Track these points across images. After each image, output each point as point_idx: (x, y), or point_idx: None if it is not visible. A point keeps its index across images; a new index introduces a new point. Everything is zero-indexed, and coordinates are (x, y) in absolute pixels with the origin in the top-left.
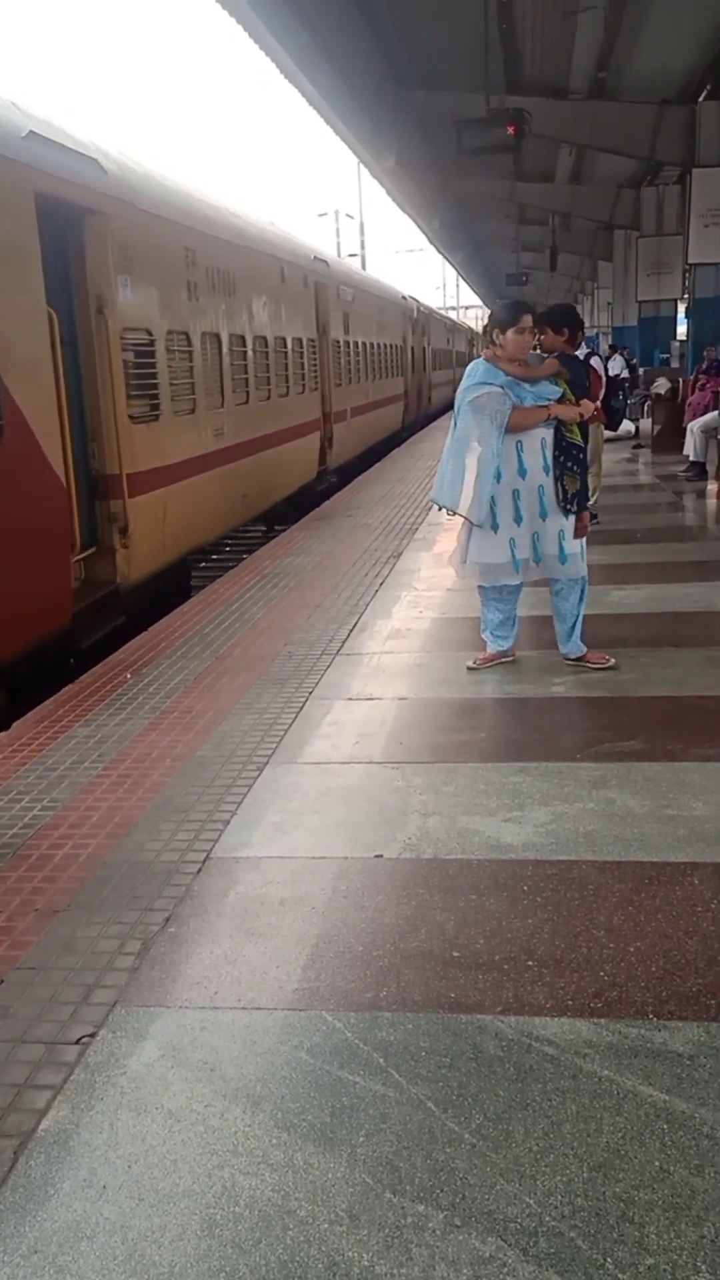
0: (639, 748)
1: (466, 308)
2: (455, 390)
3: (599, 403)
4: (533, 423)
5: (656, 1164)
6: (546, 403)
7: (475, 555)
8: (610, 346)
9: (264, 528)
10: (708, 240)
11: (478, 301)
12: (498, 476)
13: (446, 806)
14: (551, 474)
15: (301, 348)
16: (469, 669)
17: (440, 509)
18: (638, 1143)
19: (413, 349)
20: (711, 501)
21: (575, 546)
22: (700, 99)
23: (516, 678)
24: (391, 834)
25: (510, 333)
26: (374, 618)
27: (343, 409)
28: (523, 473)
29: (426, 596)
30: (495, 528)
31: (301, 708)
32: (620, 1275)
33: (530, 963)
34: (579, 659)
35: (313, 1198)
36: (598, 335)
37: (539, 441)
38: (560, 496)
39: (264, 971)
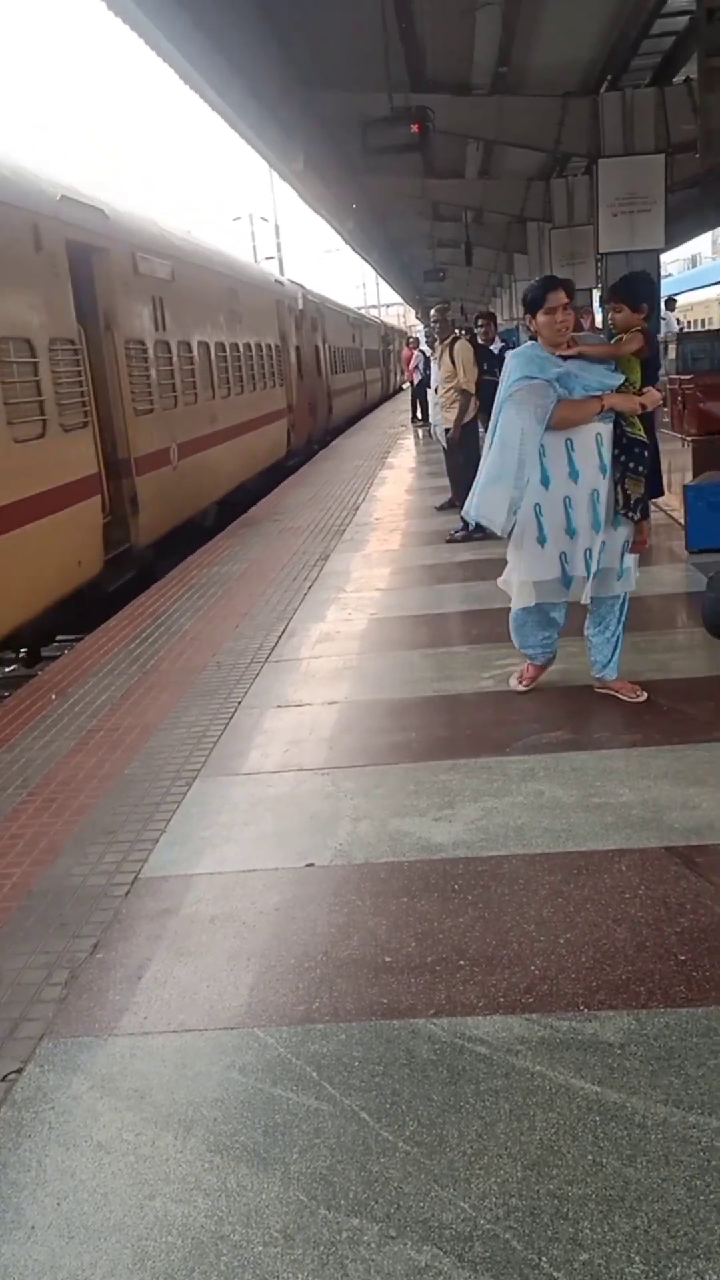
0: (567, 738)
1: (387, 305)
2: (363, 398)
3: None
4: (582, 417)
5: (589, 1157)
6: (599, 393)
7: (527, 572)
8: (531, 338)
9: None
10: (616, 229)
11: (398, 299)
12: (545, 481)
13: (377, 809)
14: (609, 476)
15: (34, 353)
16: (517, 692)
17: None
18: (570, 1137)
19: (298, 349)
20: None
21: (631, 560)
22: (602, 91)
23: (447, 674)
24: (322, 841)
25: (540, 315)
26: (303, 622)
27: (159, 448)
28: (574, 476)
29: (355, 598)
30: (542, 540)
31: (230, 718)
32: (555, 1274)
33: (462, 962)
34: (610, 688)
35: (246, 1221)
36: (517, 327)
37: (594, 439)
38: (621, 502)
39: (194, 992)
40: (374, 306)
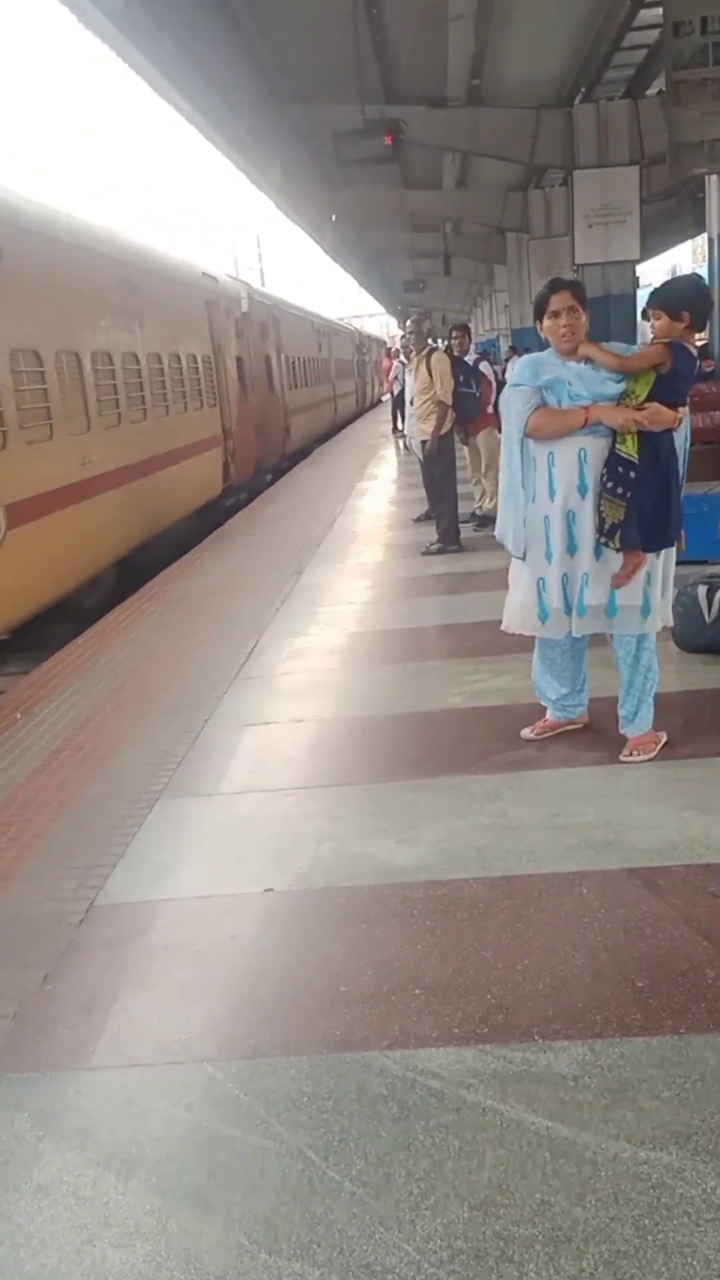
0: (533, 756)
1: (371, 315)
2: (332, 416)
3: (491, 407)
4: (558, 429)
5: (538, 1196)
6: (588, 404)
7: (516, 596)
8: (510, 348)
9: None
10: (592, 240)
11: (380, 309)
12: (534, 497)
13: (340, 831)
14: (589, 497)
15: None
16: (526, 740)
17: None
18: (519, 1175)
19: (240, 361)
20: None
21: (634, 596)
22: (575, 103)
23: (416, 691)
24: (282, 865)
25: (545, 320)
26: (274, 638)
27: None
28: (552, 493)
29: (328, 612)
30: (524, 557)
31: (196, 737)
32: None
33: (418, 991)
34: (630, 745)
35: (185, 1266)
36: (497, 338)
37: (576, 454)
38: (596, 527)
39: (144, 1026)
40: (357, 316)
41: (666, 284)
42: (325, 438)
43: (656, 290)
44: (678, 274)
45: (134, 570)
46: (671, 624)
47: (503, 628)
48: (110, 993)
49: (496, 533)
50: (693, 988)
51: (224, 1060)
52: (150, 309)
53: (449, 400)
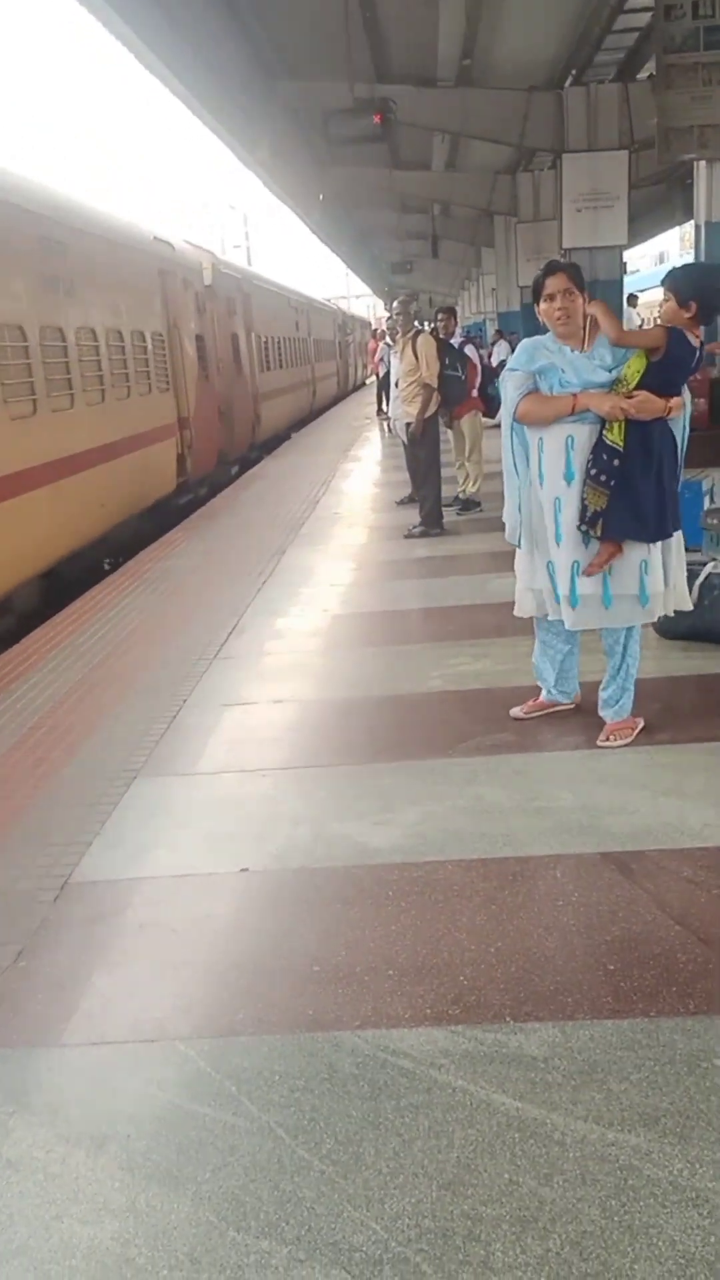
0: (511, 739)
1: (358, 296)
2: (310, 401)
3: (476, 391)
4: (546, 415)
5: (506, 1176)
6: (577, 391)
7: (520, 580)
8: (496, 332)
9: None
10: (580, 225)
11: (368, 291)
12: (528, 483)
13: (317, 813)
14: (574, 485)
15: None
16: (514, 719)
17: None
18: (488, 1155)
19: (201, 340)
20: None
21: (628, 586)
22: (566, 85)
23: (396, 673)
24: (259, 845)
25: (541, 303)
26: (254, 618)
27: None
28: (541, 479)
29: (309, 594)
30: (519, 544)
31: (174, 717)
32: None
33: (391, 972)
34: (608, 730)
35: (153, 1243)
36: (484, 321)
37: (564, 441)
38: (579, 514)
39: (117, 1003)
40: (344, 297)
41: (686, 267)
42: (302, 424)
43: (674, 271)
44: (665, 261)
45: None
46: (690, 608)
47: (515, 614)
48: (84, 970)
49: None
50: (664, 971)
51: (196, 1038)
52: (83, 276)
53: (434, 383)
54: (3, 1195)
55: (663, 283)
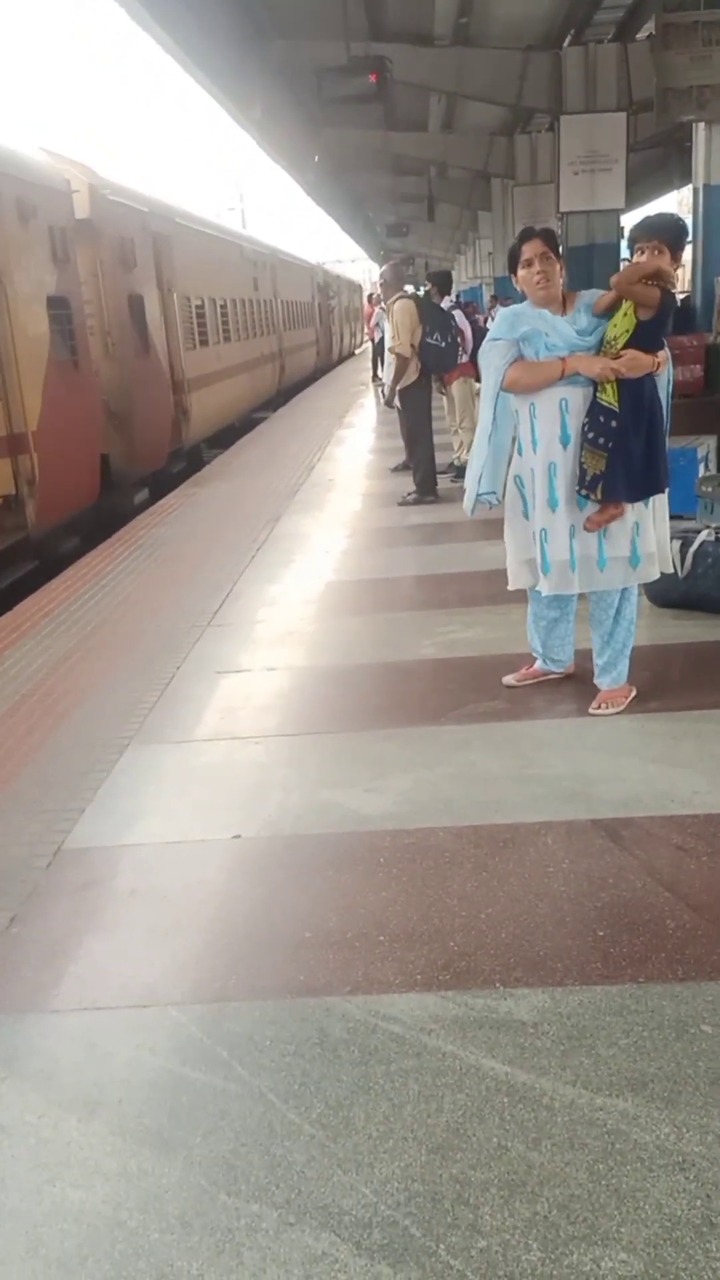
0: (503, 707)
1: (354, 260)
2: (275, 380)
3: (467, 355)
4: (536, 381)
5: (495, 1140)
6: (565, 355)
7: (511, 551)
8: (492, 297)
9: None
10: (577, 188)
11: (363, 254)
12: (520, 450)
13: (308, 780)
14: (570, 448)
15: None
16: (507, 686)
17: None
18: (477, 1119)
19: (66, 303)
20: None
21: (621, 547)
22: (564, 45)
23: (390, 641)
24: (251, 813)
25: (519, 270)
26: (248, 586)
27: None
28: (535, 445)
29: (303, 561)
30: (527, 514)
31: (167, 684)
32: (453, 1261)
33: (382, 938)
34: (601, 699)
35: (144, 1206)
36: (480, 286)
37: (558, 405)
38: (578, 478)
39: (109, 969)
40: (339, 261)
41: (662, 217)
42: (268, 406)
43: (654, 223)
44: None
45: None
46: (675, 571)
47: (509, 588)
48: (76, 936)
49: (465, 483)
50: (653, 937)
51: (188, 1004)
52: None
53: (405, 352)
54: None
55: (642, 236)
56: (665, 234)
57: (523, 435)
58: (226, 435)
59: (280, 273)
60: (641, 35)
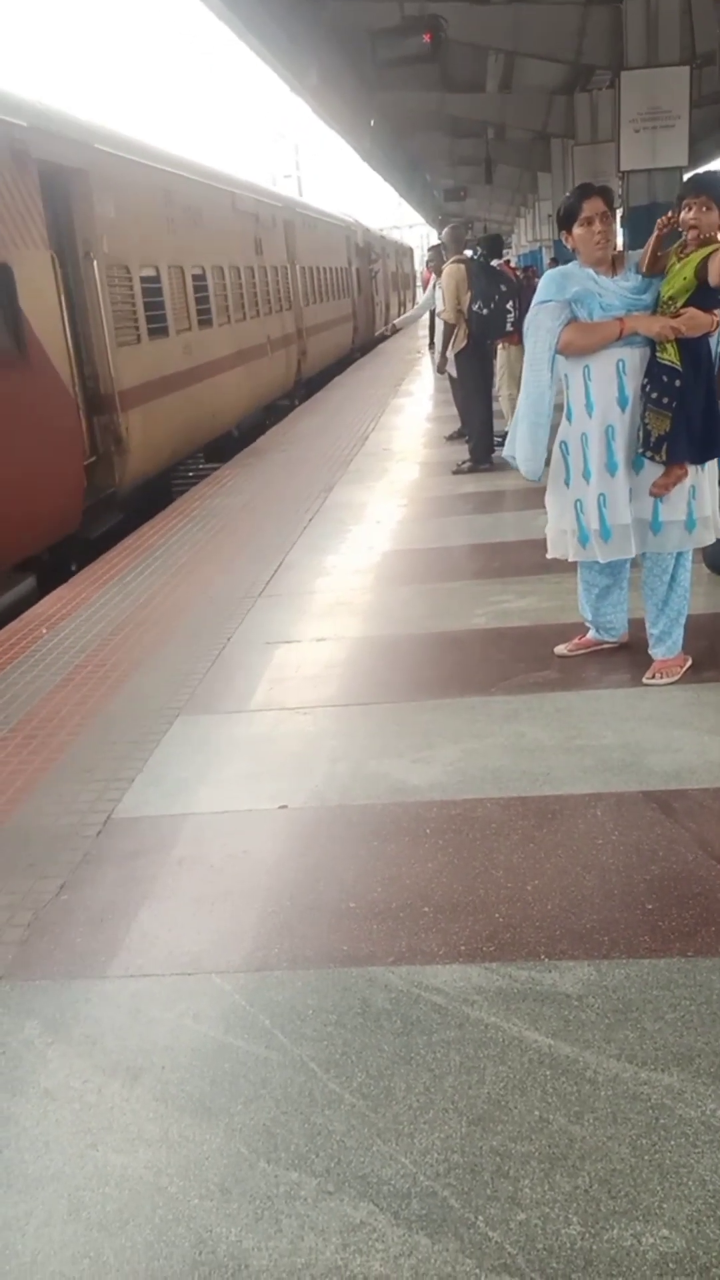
0: (554, 677)
1: (410, 226)
2: (288, 375)
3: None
4: (593, 342)
5: (536, 1113)
6: (622, 315)
7: (553, 519)
8: (552, 260)
9: None
10: (638, 146)
11: (420, 220)
12: (569, 415)
13: (356, 750)
14: (629, 410)
15: None
16: (559, 656)
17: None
18: (519, 1092)
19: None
20: None
21: (678, 511)
22: None
23: (441, 611)
24: (298, 783)
25: (576, 228)
26: (300, 556)
27: None
28: (590, 409)
29: (355, 531)
30: (567, 482)
31: (218, 655)
32: (491, 1233)
33: (426, 909)
34: (655, 669)
35: (185, 1172)
36: (540, 249)
37: (614, 366)
38: (641, 440)
39: (155, 936)
40: (396, 227)
41: (711, 174)
42: (276, 411)
43: (704, 179)
44: None
45: None
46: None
47: (548, 556)
48: (124, 904)
49: (505, 451)
50: (703, 911)
51: (232, 972)
52: None
53: (450, 318)
54: (40, 1123)
55: (690, 193)
56: (714, 190)
57: (574, 399)
58: (226, 443)
59: (300, 232)
60: None
